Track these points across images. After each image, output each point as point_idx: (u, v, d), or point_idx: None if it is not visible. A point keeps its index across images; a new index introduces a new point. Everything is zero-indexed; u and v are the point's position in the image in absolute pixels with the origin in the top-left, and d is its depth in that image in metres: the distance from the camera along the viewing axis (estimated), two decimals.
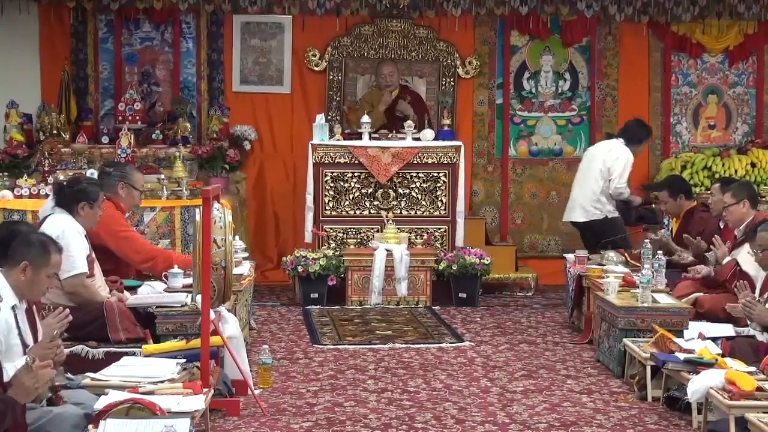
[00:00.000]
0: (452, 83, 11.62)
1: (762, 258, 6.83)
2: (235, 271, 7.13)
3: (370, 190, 10.54)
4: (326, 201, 10.49)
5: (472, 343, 8.47)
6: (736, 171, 11.14)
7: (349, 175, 10.52)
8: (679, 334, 6.80)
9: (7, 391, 4.64)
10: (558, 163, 11.90)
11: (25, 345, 5.07)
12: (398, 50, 11.56)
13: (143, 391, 5.30)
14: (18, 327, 5.04)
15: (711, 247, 8.03)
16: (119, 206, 7.43)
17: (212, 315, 6.21)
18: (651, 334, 6.87)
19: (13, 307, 5.03)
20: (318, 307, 9.93)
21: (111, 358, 6.13)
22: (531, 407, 6.60)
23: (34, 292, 5.17)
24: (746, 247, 7.37)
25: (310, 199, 10.45)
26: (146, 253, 7.38)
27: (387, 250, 10.01)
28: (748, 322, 6.77)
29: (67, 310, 5.45)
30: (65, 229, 6.50)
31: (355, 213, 10.54)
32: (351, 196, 10.53)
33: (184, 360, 5.88)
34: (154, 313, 6.59)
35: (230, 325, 6.72)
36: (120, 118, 10.89)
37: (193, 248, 6.15)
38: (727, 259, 7.75)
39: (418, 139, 10.62)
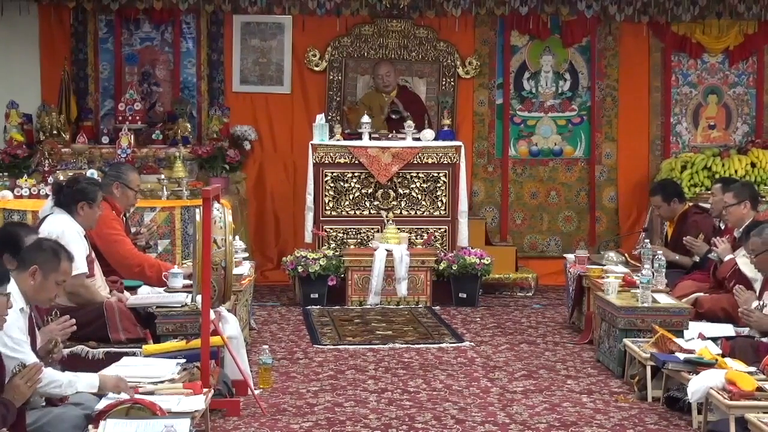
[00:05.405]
0: (452, 83, 11.62)
1: (756, 262, 6.83)
2: (235, 271, 7.12)
3: (370, 190, 10.54)
4: (326, 201, 10.49)
5: (472, 343, 8.46)
6: (736, 171, 11.12)
7: (349, 175, 10.52)
8: (679, 334, 6.80)
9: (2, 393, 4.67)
10: (558, 163, 11.90)
11: None
12: (398, 50, 11.56)
13: (143, 391, 5.29)
14: None
15: (712, 248, 8.03)
16: (114, 206, 7.41)
17: (212, 315, 6.21)
18: (651, 334, 6.87)
19: (21, 310, 5.03)
20: (318, 307, 9.93)
21: (111, 358, 6.13)
22: (531, 407, 6.59)
23: (41, 297, 5.17)
24: None
25: (310, 199, 10.45)
26: (134, 258, 7.33)
27: (387, 250, 10.01)
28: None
29: (73, 320, 5.47)
30: (65, 229, 6.50)
31: (355, 213, 10.54)
32: (351, 196, 10.53)
33: (184, 360, 5.87)
34: (154, 313, 6.59)
35: (230, 325, 6.73)
36: (120, 118, 10.89)
37: (193, 248, 6.14)
38: (729, 257, 7.75)
39: (418, 139, 10.62)
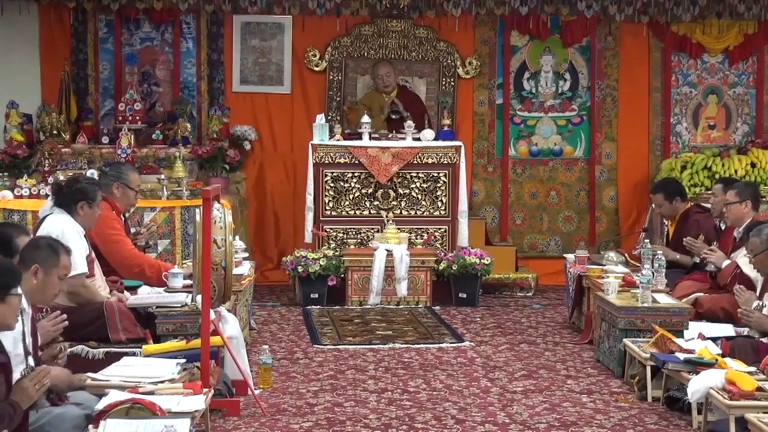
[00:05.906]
0: (452, 83, 11.62)
1: (755, 262, 6.83)
2: (235, 271, 7.12)
3: (370, 190, 10.54)
4: (326, 201, 10.49)
5: (472, 343, 8.46)
6: (736, 171, 11.13)
7: (349, 175, 10.52)
8: (679, 334, 6.80)
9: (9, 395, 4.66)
10: (558, 163, 11.90)
11: (26, 351, 5.06)
12: (398, 50, 11.56)
13: (143, 391, 5.29)
14: (23, 332, 5.04)
15: (707, 260, 8.00)
16: (115, 206, 7.41)
17: (212, 315, 6.21)
18: (651, 334, 6.86)
19: (23, 312, 5.03)
20: (318, 307, 9.93)
21: (111, 358, 6.13)
22: (531, 407, 6.59)
23: (46, 294, 5.17)
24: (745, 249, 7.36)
25: (310, 199, 10.45)
26: (134, 258, 7.33)
27: (387, 250, 10.01)
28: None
29: (64, 315, 5.46)
30: (65, 229, 6.50)
31: (355, 213, 10.54)
32: (351, 196, 10.53)
33: (184, 360, 5.87)
34: (154, 313, 6.59)
35: (230, 325, 6.73)
36: (120, 118, 10.89)
37: (193, 248, 6.14)
38: (726, 262, 7.75)
39: (418, 139, 10.62)
